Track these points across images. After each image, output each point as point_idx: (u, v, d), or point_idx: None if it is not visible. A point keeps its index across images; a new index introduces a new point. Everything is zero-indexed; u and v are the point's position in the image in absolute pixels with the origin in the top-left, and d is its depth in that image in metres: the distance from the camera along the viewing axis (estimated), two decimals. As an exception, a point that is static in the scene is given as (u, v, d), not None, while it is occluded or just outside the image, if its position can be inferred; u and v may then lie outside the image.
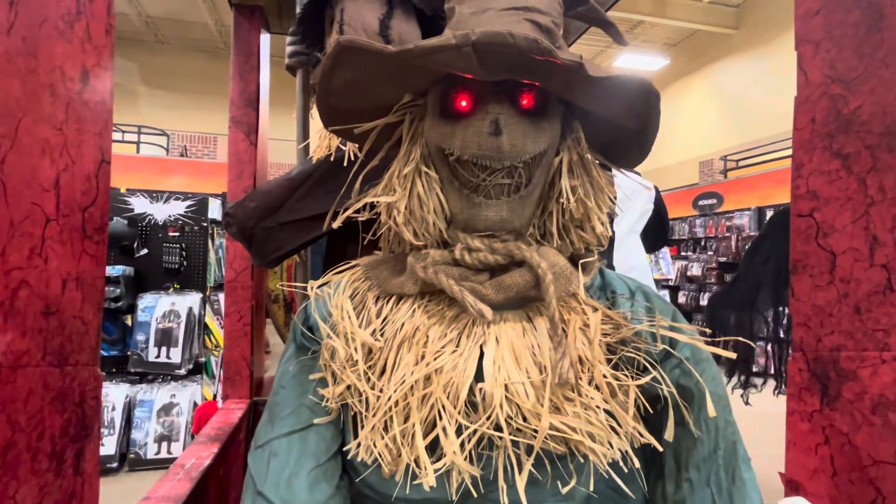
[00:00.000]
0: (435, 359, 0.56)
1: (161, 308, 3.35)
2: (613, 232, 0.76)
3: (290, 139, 1.52)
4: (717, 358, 0.63)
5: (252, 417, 1.42)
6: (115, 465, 3.14)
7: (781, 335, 2.14)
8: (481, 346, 0.57)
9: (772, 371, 2.25)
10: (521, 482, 0.52)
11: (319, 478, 0.59)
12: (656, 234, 2.16)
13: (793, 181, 0.68)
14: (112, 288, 3.26)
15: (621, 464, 0.54)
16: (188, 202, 3.71)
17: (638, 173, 2.16)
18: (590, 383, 0.55)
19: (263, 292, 1.59)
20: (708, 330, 0.60)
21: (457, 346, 0.57)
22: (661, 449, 0.57)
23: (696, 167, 9.59)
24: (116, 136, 6.52)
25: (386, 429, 0.55)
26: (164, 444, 3.24)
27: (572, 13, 0.72)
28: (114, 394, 3.23)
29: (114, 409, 3.19)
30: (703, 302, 6.78)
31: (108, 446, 3.12)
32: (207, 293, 3.64)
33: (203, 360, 3.52)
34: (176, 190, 4.07)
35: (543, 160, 0.60)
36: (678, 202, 7.94)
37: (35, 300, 0.46)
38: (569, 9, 0.70)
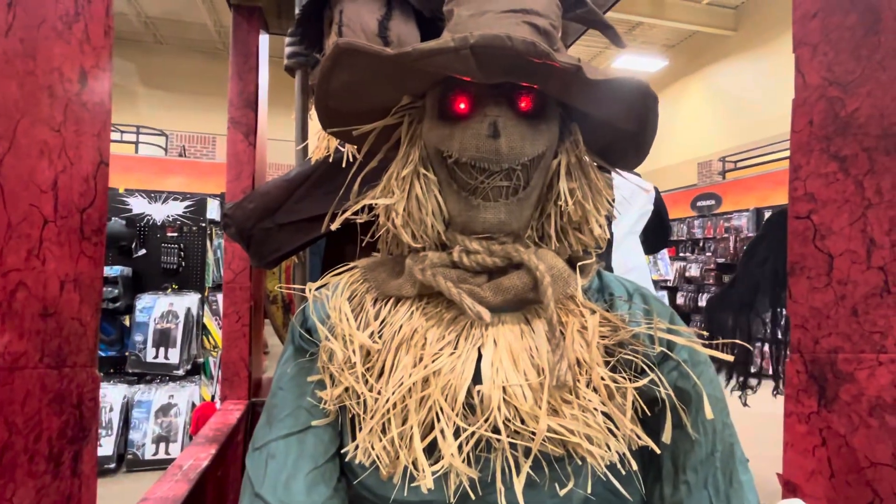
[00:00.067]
0: (433, 361, 0.56)
1: (159, 309, 3.34)
2: (611, 233, 0.76)
3: (288, 139, 1.52)
4: (716, 360, 0.63)
5: (250, 418, 1.42)
6: (112, 465, 3.14)
7: (779, 336, 2.14)
8: (479, 349, 0.57)
9: (769, 372, 2.26)
10: (518, 484, 0.52)
11: (317, 480, 0.59)
12: (657, 235, 2.17)
13: (790, 183, 0.68)
14: (110, 288, 3.25)
15: (619, 466, 0.54)
16: (187, 202, 3.71)
17: (638, 174, 2.16)
18: (588, 386, 0.55)
19: (262, 293, 1.58)
20: (706, 333, 0.60)
21: (455, 349, 0.57)
22: (658, 451, 0.57)
23: (695, 168, 9.61)
24: (115, 136, 6.50)
25: (384, 431, 0.55)
26: (162, 445, 3.23)
27: (571, 15, 0.72)
28: (112, 394, 3.22)
29: (111, 409, 3.19)
30: (702, 303, 6.79)
31: (106, 447, 3.12)
32: (206, 294, 3.64)
33: (201, 360, 3.52)
34: (174, 190, 4.06)
35: (541, 162, 0.60)
36: (676, 203, 7.95)
37: (33, 302, 0.46)
38: (567, 11, 0.70)
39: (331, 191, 0.93)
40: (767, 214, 6.34)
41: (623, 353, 0.58)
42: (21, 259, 0.44)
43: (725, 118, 8.99)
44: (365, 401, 0.56)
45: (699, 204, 7.78)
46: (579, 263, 0.64)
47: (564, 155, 0.63)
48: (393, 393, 0.55)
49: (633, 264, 1.89)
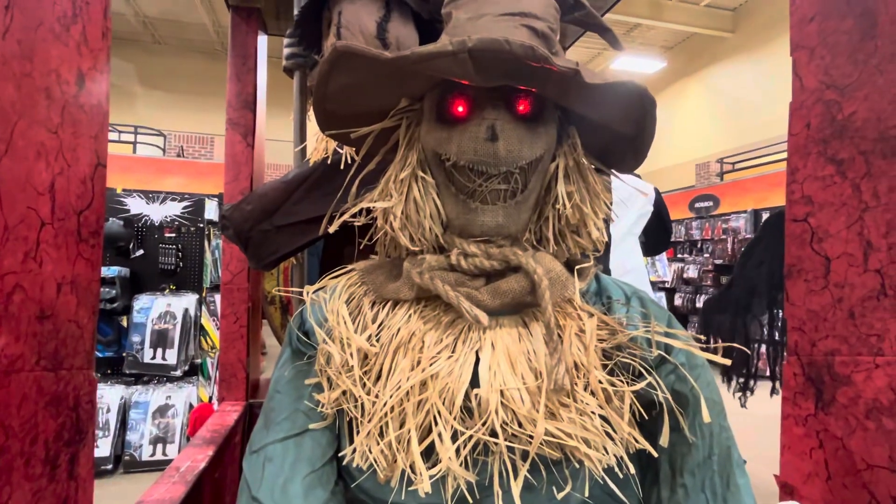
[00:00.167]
0: (431, 364, 0.56)
1: (157, 309, 3.33)
2: (609, 236, 0.76)
3: (287, 139, 1.52)
4: (715, 363, 0.63)
5: (248, 420, 1.42)
6: (109, 467, 3.13)
7: (776, 338, 2.15)
8: (477, 352, 0.57)
9: (767, 373, 2.26)
10: (516, 488, 0.52)
11: (314, 483, 0.59)
12: (658, 236, 2.17)
13: (788, 186, 0.68)
14: (107, 289, 3.24)
15: (616, 469, 0.54)
16: (185, 203, 3.70)
17: (638, 176, 2.16)
18: (585, 389, 0.55)
19: (260, 294, 1.58)
20: (703, 336, 0.60)
21: (452, 352, 0.57)
22: (656, 454, 0.57)
23: (693, 169, 9.62)
24: (112, 136, 6.50)
25: (381, 434, 0.55)
26: (160, 446, 3.22)
27: (569, 18, 0.72)
28: (109, 395, 3.21)
29: (109, 410, 3.18)
30: (700, 304, 6.79)
31: (103, 448, 3.11)
32: (203, 294, 3.63)
33: (199, 361, 3.51)
34: (172, 190, 4.05)
35: (539, 166, 0.60)
36: (674, 204, 7.94)
37: (29, 304, 0.45)
38: (566, 14, 0.70)
39: (329, 192, 0.93)
40: (765, 216, 6.35)
41: (621, 356, 0.58)
42: (18, 261, 0.44)
43: (723, 120, 9.01)
44: (362, 404, 0.56)
45: (697, 205, 7.79)
46: (577, 267, 0.64)
47: (562, 158, 0.63)
48: (390, 396, 0.55)
49: (631, 266, 1.89)
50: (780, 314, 2.08)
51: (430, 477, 0.52)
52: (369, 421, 0.55)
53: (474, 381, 0.55)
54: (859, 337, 0.62)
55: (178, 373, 3.32)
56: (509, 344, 0.57)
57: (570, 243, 0.64)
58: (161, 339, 3.30)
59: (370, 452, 0.54)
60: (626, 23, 8.61)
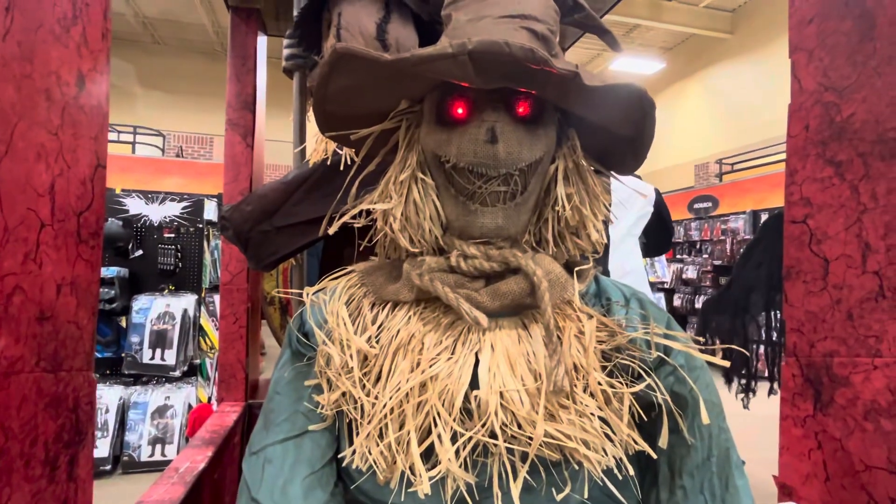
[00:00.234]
0: (430, 366, 0.56)
1: (156, 310, 3.33)
2: (609, 237, 0.76)
3: (286, 140, 1.51)
4: (715, 364, 0.63)
5: (247, 420, 1.42)
6: (108, 467, 3.12)
7: (774, 338, 2.15)
8: (476, 354, 0.57)
9: (765, 374, 2.26)
10: (515, 489, 0.52)
11: (314, 485, 0.59)
12: (659, 236, 2.17)
13: (786, 188, 0.69)
14: (106, 289, 3.24)
15: (615, 471, 0.54)
16: (184, 203, 3.69)
17: (639, 177, 2.17)
18: (584, 391, 0.55)
19: (259, 295, 1.58)
20: (702, 339, 0.61)
21: (452, 354, 0.57)
22: (655, 456, 0.57)
23: (692, 170, 9.62)
24: (112, 136, 6.49)
25: (381, 436, 0.55)
26: (158, 447, 3.22)
27: (568, 20, 0.72)
28: (107, 396, 3.21)
29: (107, 411, 3.17)
30: (699, 305, 6.79)
31: (102, 449, 3.10)
32: (203, 295, 3.63)
33: (198, 362, 3.51)
34: (171, 191, 4.05)
35: (539, 168, 0.60)
36: (673, 205, 7.88)
37: (29, 305, 0.45)
38: (565, 16, 0.71)
39: (328, 194, 0.93)
40: (764, 217, 6.35)
41: (620, 358, 0.58)
42: (18, 263, 0.44)
43: (723, 121, 9.02)
44: (362, 405, 0.56)
45: (696, 206, 7.80)
46: (576, 268, 0.64)
47: (562, 160, 0.63)
48: (390, 398, 0.55)
49: (630, 267, 1.89)
50: (779, 315, 2.08)
51: (430, 478, 0.52)
52: (369, 422, 0.55)
53: (474, 383, 0.55)
54: (857, 338, 0.62)
55: (177, 373, 3.31)
56: (509, 345, 0.57)
57: (569, 245, 0.64)
58: (160, 340, 3.30)
59: (370, 454, 0.54)
60: (626, 24, 8.61)
